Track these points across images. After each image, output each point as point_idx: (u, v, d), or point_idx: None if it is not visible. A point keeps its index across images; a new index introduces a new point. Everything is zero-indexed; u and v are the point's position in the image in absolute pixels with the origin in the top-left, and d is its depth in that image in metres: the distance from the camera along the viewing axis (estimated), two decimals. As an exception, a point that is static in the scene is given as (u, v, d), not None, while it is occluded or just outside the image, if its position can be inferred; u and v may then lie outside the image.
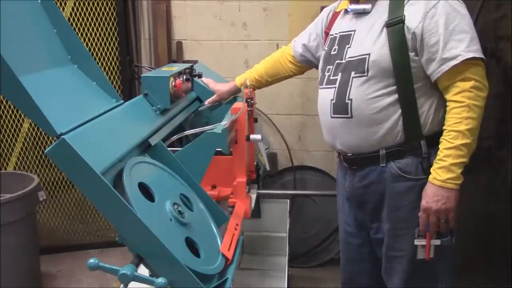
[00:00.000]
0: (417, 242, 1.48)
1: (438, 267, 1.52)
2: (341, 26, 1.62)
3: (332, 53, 1.59)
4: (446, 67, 1.37)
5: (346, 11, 1.60)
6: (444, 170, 1.38)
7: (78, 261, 2.93)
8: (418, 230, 1.47)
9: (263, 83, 1.97)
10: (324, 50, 1.66)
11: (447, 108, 1.41)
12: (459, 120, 1.37)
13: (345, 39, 1.55)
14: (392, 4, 1.45)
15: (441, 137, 1.40)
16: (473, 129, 1.37)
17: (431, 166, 1.43)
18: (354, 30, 1.53)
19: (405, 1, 1.43)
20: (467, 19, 1.40)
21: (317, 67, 1.77)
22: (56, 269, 2.88)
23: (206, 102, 1.91)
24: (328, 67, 1.59)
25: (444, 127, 1.40)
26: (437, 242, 1.46)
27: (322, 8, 2.71)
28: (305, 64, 1.88)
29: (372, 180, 1.54)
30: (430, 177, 1.41)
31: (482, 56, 1.39)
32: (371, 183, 1.54)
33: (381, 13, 1.46)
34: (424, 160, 1.45)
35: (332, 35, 1.64)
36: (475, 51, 1.37)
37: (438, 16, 1.38)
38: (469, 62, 1.37)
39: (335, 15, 1.70)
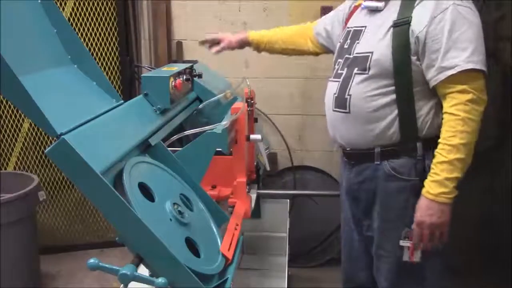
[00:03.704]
0: (402, 243, 1.48)
1: (424, 270, 1.50)
2: (356, 20, 1.62)
3: (344, 47, 1.59)
4: (443, 76, 1.36)
5: (362, 7, 1.60)
6: (437, 184, 1.36)
7: (78, 261, 2.93)
8: (405, 232, 1.47)
9: (273, 50, 1.97)
10: (339, 42, 1.66)
11: (443, 121, 1.39)
12: (454, 133, 1.34)
13: (356, 34, 1.56)
14: (403, 4, 1.44)
15: (436, 150, 1.38)
16: (468, 144, 1.35)
17: (425, 168, 1.43)
18: (365, 26, 1.53)
19: (416, 3, 1.41)
20: (475, 28, 1.35)
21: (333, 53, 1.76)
22: (56, 269, 2.88)
23: (213, 50, 1.92)
24: (339, 60, 1.60)
25: (439, 140, 1.39)
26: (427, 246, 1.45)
27: (322, 8, 2.73)
28: (323, 47, 1.87)
29: (366, 176, 1.55)
30: (424, 190, 1.40)
31: (483, 68, 1.35)
32: (365, 180, 1.55)
33: (391, 12, 1.46)
34: (418, 162, 1.45)
35: (348, 28, 1.64)
36: (476, 63, 1.33)
37: (444, 21, 1.35)
38: (468, 74, 1.34)
39: (355, 8, 1.69)
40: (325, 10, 2.71)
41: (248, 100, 1.89)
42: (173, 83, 1.46)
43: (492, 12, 2.21)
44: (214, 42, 1.95)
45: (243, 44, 1.94)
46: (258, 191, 2.16)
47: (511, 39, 2.39)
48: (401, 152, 1.47)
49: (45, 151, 0.93)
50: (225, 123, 1.46)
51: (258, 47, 1.96)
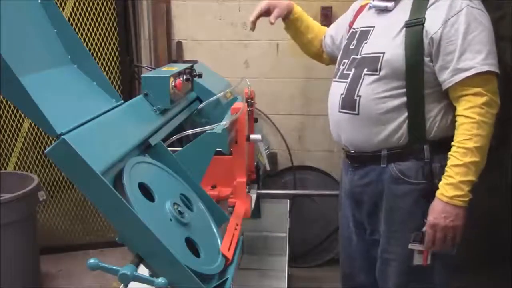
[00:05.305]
0: (412, 246, 1.46)
1: (433, 274, 1.49)
2: (363, 21, 1.61)
3: (351, 47, 1.58)
4: (458, 78, 1.35)
5: (370, 6, 1.58)
6: (452, 187, 1.35)
7: (78, 261, 2.93)
8: (415, 235, 1.45)
9: (300, 36, 1.88)
10: (345, 42, 1.65)
11: (457, 123, 1.38)
12: (469, 137, 1.34)
13: (364, 34, 1.54)
14: (415, 5, 1.43)
15: (450, 152, 1.38)
16: (482, 147, 1.34)
17: (432, 171, 1.43)
18: (374, 27, 1.52)
19: (428, 4, 1.41)
20: (487, 32, 1.36)
21: None
22: (56, 269, 2.88)
23: (272, 20, 1.75)
24: (344, 60, 1.58)
25: (453, 143, 1.38)
26: (438, 249, 1.43)
27: (322, 8, 2.72)
28: (331, 57, 1.85)
29: (371, 179, 1.53)
30: (438, 192, 1.38)
31: (497, 70, 1.36)
32: (371, 183, 1.54)
33: (402, 13, 1.44)
34: (425, 165, 1.44)
35: (354, 29, 1.63)
36: (490, 65, 1.34)
37: (458, 24, 1.35)
38: (483, 76, 1.34)
39: (360, 8, 1.68)
40: (325, 10, 2.71)
41: (248, 100, 1.89)
42: (173, 83, 1.46)
43: (492, 12, 2.21)
44: (262, 15, 1.79)
45: (288, 12, 1.81)
46: (258, 191, 2.16)
47: (511, 39, 2.38)
48: (408, 155, 1.46)
49: (45, 151, 0.93)
50: (225, 123, 1.46)
51: (295, 22, 1.84)
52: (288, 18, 1.82)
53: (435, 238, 1.40)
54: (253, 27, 1.77)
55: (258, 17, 1.78)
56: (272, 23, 1.77)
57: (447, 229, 1.38)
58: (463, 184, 1.35)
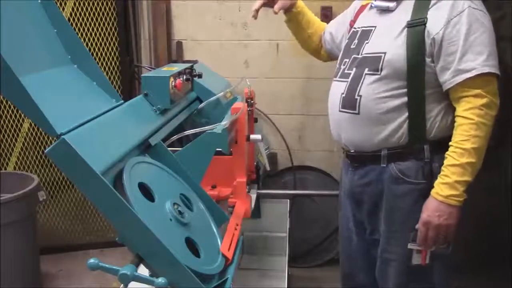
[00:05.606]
0: (411, 246, 1.46)
1: (433, 274, 1.50)
2: (364, 20, 1.60)
3: (352, 47, 1.58)
4: (460, 78, 1.36)
5: (371, 6, 1.58)
6: (447, 186, 1.36)
7: (78, 261, 2.93)
8: (414, 235, 1.46)
9: (301, 30, 1.87)
10: (346, 41, 1.65)
11: (456, 124, 1.39)
12: (467, 137, 1.35)
13: (365, 34, 1.54)
14: (417, 5, 1.43)
15: (447, 152, 1.38)
16: (480, 148, 1.35)
17: (432, 171, 1.43)
18: (375, 27, 1.52)
19: (430, 4, 1.41)
20: (489, 33, 1.37)
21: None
22: (56, 269, 2.88)
23: (276, 9, 1.76)
24: (345, 60, 1.58)
25: (450, 143, 1.39)
26: (432, 248, 1.44)
27: (322, 8, 2.72)
28: (329, 54, 1.85)
29: (371, 179, 1.54)
30: (433, 191, 1.39)
31: (497, 72, 1.36)
32: (370, 182, 1.54)
33: (404, 13, 1.44)
34: (426, 165, 1.44)
35: (355, 28, 1.62)
36: (491, 66, 1.35)
37: (460, 24, 1.35)
38: (484, 78, 1.35)
39: (361, 8, 1.67)
40: (325, 10, 2.72)
41: (248, 100, 1.89)
42: (173, 83, 1.46)
43: (492, 12, 2.21)
44: (266, 5, 1.79)
45: (291, 5, 1.80)
46: (258, 191, 2.16)
47: (511, 39, 2.38)
48: (408, 155, 1.46)
49: (45, 151, 0.93)
50: (225, 123, 1.46)
51: (297, 15, 1.83)
52: (290, 11, 1.82)
53: (427, 236, 1.41)
54: (255, 15, 1.77)
55: (261, 6, 1.78)
56: (275, 13, 1.78)
57: (440, 227, 1.39)
58: (458, 184, 1.36)
